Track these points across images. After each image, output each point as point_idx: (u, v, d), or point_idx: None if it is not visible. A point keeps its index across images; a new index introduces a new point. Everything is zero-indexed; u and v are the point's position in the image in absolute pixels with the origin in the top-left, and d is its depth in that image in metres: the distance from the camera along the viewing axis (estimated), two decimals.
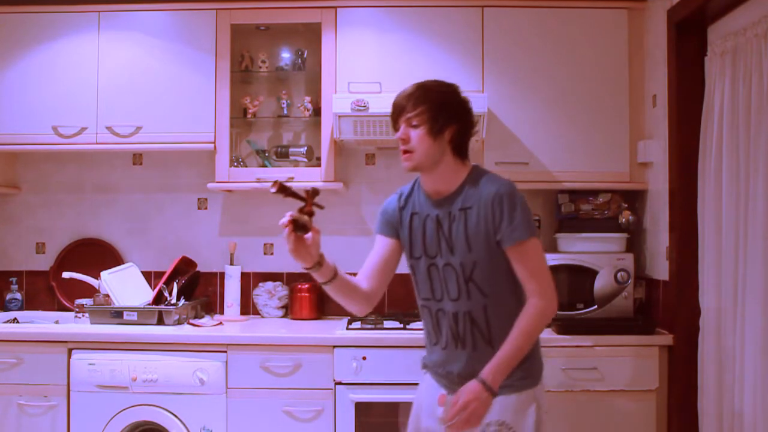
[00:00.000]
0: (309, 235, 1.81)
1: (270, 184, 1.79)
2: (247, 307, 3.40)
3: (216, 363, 2.77)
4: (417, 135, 1.89)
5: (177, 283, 3.10)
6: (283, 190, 1.77)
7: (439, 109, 1.89)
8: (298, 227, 1.78)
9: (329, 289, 1.97)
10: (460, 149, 1.95)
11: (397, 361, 2.74)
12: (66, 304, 3.40)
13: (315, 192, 1.83)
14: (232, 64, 3.15)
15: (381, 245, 2.08)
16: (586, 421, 2.74)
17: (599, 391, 2.74)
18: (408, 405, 2.74)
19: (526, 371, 1.92)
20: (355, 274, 2.07)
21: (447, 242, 1.94)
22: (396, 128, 1.95)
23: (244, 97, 3.31)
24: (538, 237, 1.92)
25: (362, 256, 3.37)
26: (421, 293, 2.05)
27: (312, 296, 3.27)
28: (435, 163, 1.92)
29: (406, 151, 1.92)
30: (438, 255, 1.96)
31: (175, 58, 3.14)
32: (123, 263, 3.36)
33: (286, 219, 1.78)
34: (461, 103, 1.95)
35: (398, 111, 1.93)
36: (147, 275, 3.36)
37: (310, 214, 1.80)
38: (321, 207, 1.83)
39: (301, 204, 1.82)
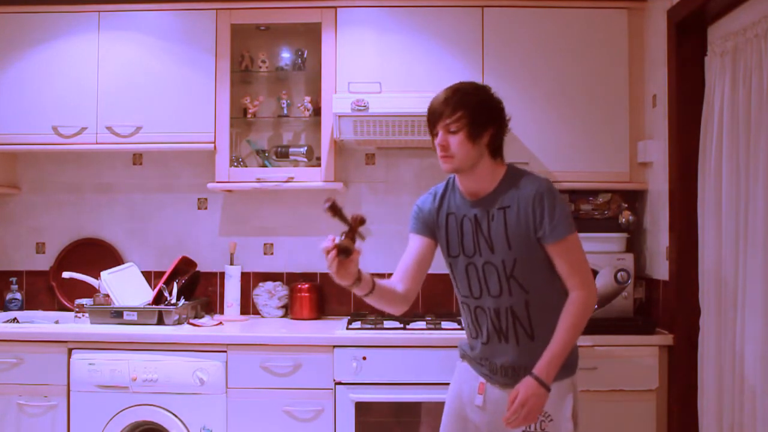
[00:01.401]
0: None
1: (325, 200, 1.75)
2: (247, 307, 3.40)
3: (216, 363, 2.77)
4: (456, 140, 1.92)
5: (177, 283, 3.10)
6: (335, 210, 1.75)
7: (478, 113, 1.92)
8: (341, 252, 1.77)
9: (368, 299, 1.98)
10: (497, 150, 1.99)
11: (397, 361, 2.74)
12: (66, 304, 3.40)
13: (362, 221, 1.81)
14: (232, 64, 3.15)
15: (416, 244, 2.09)
16: (586, 421, 2.73)
17: (599, 391, 2.74)
18: (408, 405, 2.75)
19: (567, 359, 1.95)
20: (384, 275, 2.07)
21: (486, 241, 1.96)
22: (433, 133, 1.97)
23: (244, 97, 3.31)
24: (576, 231, 1.96)
25: (362, 257, 3.39)
26: (461, 290, 2.08)
27: (312, 296, 3.27)
28: (473, 165, 1.95)
29: (445, 156, 1.94)
30: (477, 253, 1.99)
31: (175, 58, 3.14)
32: (123, 263, 3.36)
33: (329, 243, 1.76)
34: (497, 105, 1.99)
35: (436, 116, 1.94)
36: (147, 275, 3.37)
37: (353, 240, 1.79)
38: (363, 238, 1.81)
39: (345, 228, 1.79)
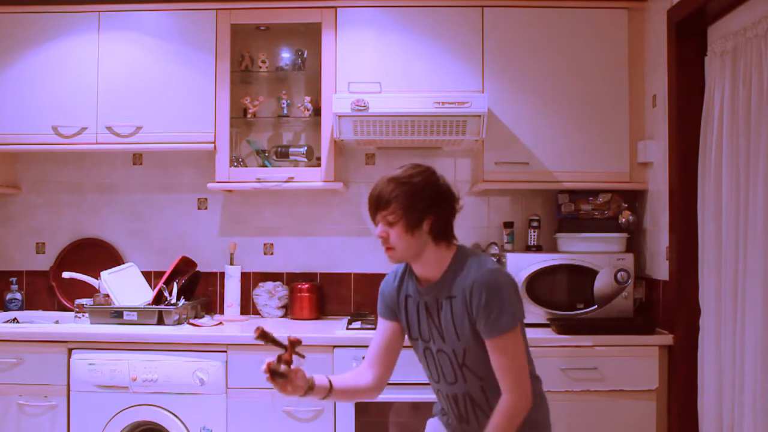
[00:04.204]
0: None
1: (254, 330, 1.76)
2: (247, 307, 3.40)
3: (216, 363, 2.77)
4: (395, 233, 1.86)
5: (177, 283, 3.10)
6: (264, 337, 1.75)
7: (412, 203, 1.84)
8: (277, 375, 1.77)
9: (332, 400, 1.97)
10: (441, 235, 1.89)
11: (397, 362, 2.74)
12: (66, 304, 3.40)
13: (297, 342, 1.80)
14: (232, 64, 3.15)
15: (383, 328, 2.05)
16: (586, 421, 2.74)
17: (599, 391, 2.74)
18: (408, 405, 2.75)
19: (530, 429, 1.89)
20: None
21: (437, 330, 1.92)
22: (375, 223, 1.92)
23: (244, 97, 3.31)
24: (520, 323, 1.84)
25: (362, 256, 3.42)
26: (425, 372, 2.06)
27: (312, 296, 3.27)
28: (418, 254, 1.89)
29: (388, 248, 1.90)
30: (431, 340, 1.95)
31: (175, 58, 3.14)
32: (123, 263, 3.36)
33: (264, 367, 1.77)
34: (435, 189, 1.88)
35: (373, 207, 1.89)
36: (147, 275, 3.37)
37: (288, 363, 1.78)
38: (302, 356, 1.81)
39: (281, 351, 1.79)
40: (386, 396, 2.72)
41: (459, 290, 1.86)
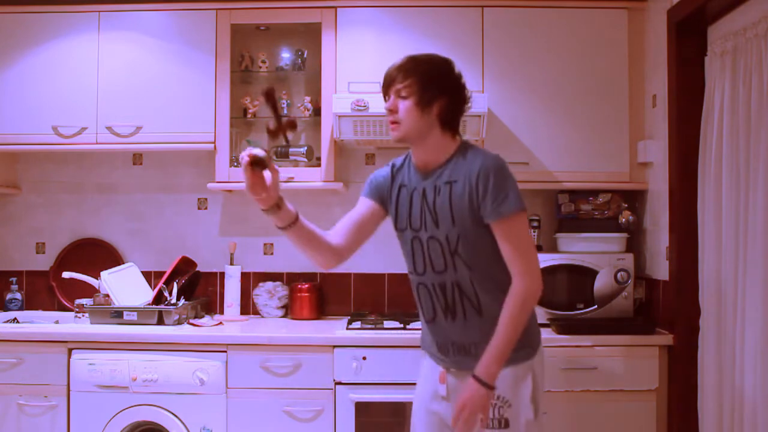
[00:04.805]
0: (267, 174, 1.77)
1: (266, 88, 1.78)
2: (247, 307, 3.40)
3: (216, 363, 2.77)
4: (405, 106, 1.88)
5: (177, 283, 3.10)
6: (269, 97, 1.76)
7: (429, 81, 1.88)
8: (257, 163, 1.74)
9: (289, 237, 1.92)
10: (449, 123, 1.93)
11: (397, 361, 2.74)
12: (66, 304, 3.40)
13: (293, 124, 1.82)
14: (232, 64, 3.15)
15: (362, 206, 2.06)
16: (586, 421, 2.74)
17: (599, 391, 2.74)
18: (408, 405, 2.75)
19: (520, 343, 1.88)
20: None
21: (431, 215, 1.92)
22: (386, 98, 1.94)
23: (244, 97, 3.31)
24: (525, 211, 1.87)
25: (362, 256, 3.40)
26: (407, 266, 2.05)
27: (312, 296, 3.27)
28: (422, 135, 1.91)
29: (393, 122, 1.91)
30: (422, 228, 1.95)
31: (175, 58, 3.14)
32: (123, 263, 3.36)
33: (245, 154, 1.74)
34: (452, 77, 1.93)
35: (388, 81, 1.92)
36: (147, 275, 3.36)
37: (276, 138, 1.79)
38: (286, 141, 1.85)
39: (275, 122, 1.79)
40: (388, 396, 2.73)
41: (462, 175, 1.88)
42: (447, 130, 1.93)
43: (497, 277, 1.90)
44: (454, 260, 1.90)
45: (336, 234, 2.02)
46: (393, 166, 2.07)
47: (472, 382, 1.84)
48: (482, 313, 1.91)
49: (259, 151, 1.75)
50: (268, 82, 3.40)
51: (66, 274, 3.22)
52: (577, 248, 3.07)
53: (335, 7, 3.12)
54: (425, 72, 1.88)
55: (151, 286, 3.30)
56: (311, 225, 1.95)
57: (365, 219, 2.05)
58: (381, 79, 1.95)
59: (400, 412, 2.76)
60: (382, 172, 2.09)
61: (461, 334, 1.94)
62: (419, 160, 1.97)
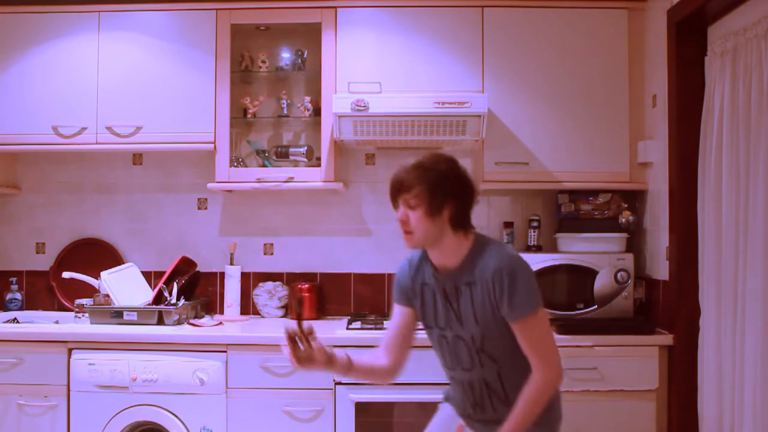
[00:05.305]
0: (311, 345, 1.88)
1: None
2: (247, 307, 3.40)
3: (216, 363, 2.77)
4: (415, 216, 1.88)
5: (177, 283, 3.10)
6: (300, 325, 1.85)
7: (436, 188, 1.87)
8: (296, 340, 1.85)
9: (351, 378, 2.07)
10: (460, 224, 1.93)
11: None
12: (66, 304, 3.40)
13: (310, 333, 1.87)
14: (232, 64, 3.15)
15: (398, 315, 2.09)
16: (586, 421, 2.74)
17: (599, 391, 2.74)
18: (408, 405, 2.75)
19: (543, 420, 1.92)
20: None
21: (456, 316, 1.95)
22: (395, 206, 1.95)
23: (244, 97, 3.31)
24: (540, 307, 1.88)
25: (362, 256, 3.42)
26: (439, 360, 2.09)
27: (312, 296, 3.27)
28: (436, 240, 1.92)
29: (406, 232, 1.92)
30: (447, 327, 1.97)
31: (175, 58, 3.14)
32: (123, 263, 3.36)
33: (286, 351, 1.86)
34: (459, 178, 1.92)
35: (396, 190, 1.92)
36: (147, 275, 3.37)
37: (307, 339, 1.86)
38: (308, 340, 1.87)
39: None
40: (388, 396, 2.73)
41: (479, 277, 1.89)
42: (459, 230, 1.93)
43: (523, 370, 1.92)
44: (480, 357, 1.94)
45: (385, 353, 2.08)
46: (410, 262, 2.08)
47: None
48: (509, 403, 1.94)
49: (292, 328, 1.84)
50: (268, 82, 3.41)
51: (66, 274, 3.22)
52: (577, 248, 3.07)
53: (335, 7, 3.12)
54: (431, 179, 1.88)
55: (151, 286, 3.30)
56: (365, 362, 2.04)
57: (405, 326, 2.08)
58: (389, 187, 1.95)
59: (400, 412, 2.76)
60: (402, 273, 2.09)
61: (490, 417, 1.98)
62: (436, 261, 1.98)
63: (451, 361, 2.00)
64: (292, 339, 1.84)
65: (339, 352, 1.94)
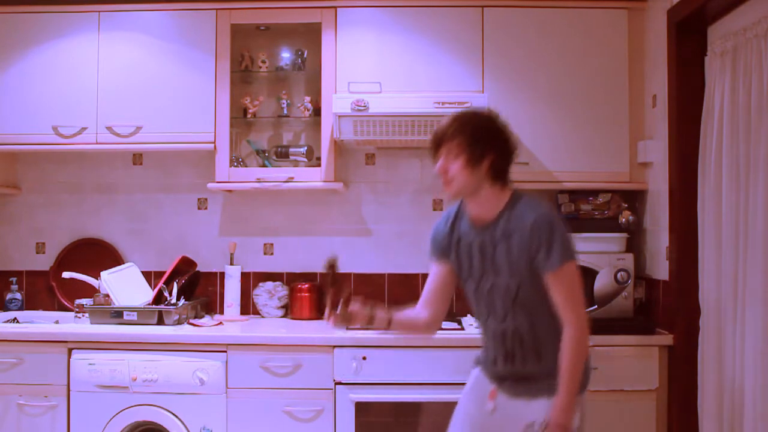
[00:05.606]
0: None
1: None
2: (247, 307, 3.40)
3: (216, 363, 2.77)
4: (456, 166, 1.96)
5: (177, 283, 3.10)
6: (332, 268, 1.96)
7: (476, 139, 1.95)
8: (343, 317, 1.98)
9: (390, 333, 2.17)
10: (499, 177, 1.99)
11: (397, 361, 2.74)
12: (66, 304, 3.40)
13: (348, 294, 1.98)
14: (232, 64, 3.15)
15: (435, 271, 2.16)
16: (586, 421, 2.73)
17: (599, 391, 2.73)
18: (408, 405, 2.75)
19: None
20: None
21: (492, 266, 2.00)
22: (435, 159, 2.01)
23: (244, 97, 3.31)
24: (575, 260, 1.95)
25: (362, 257, 3.42)
26: (473, 312, 2.14)
27: (312, 296, 3.27)
28: (474, 191, 1.98)
29: (446, 182, 1.99)
30: (483, 278, 2.02)
31: (175, 58, 3.14)
32: (123, 263, 3.36)
33: (327, 314, 1.99)
34: (498, 132, 2.00)
35: (437, 142, 2.00)
36: (147, 275, 3.36)
37: (347, 301, 1.98)
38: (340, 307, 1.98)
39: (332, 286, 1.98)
40: (388, 396, 2.73)
41: (517, 228, 1.95)
42: (497, 183, 2.00)
43: (554, 324, 1.97)
44: (514, 308, 1.99)
45: (424, 308, 2.16)
46: (447, 218, 2.14)
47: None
48: (541, 357, 2.00)
49: (338, 311, 1.97)
50: (268, 82, 3.41)
51: (66, 274, 3.22)
52: (577, 248, 3.06)
53: (335, 7, 3.12)
54: (472, 131, 1.96)
55: (151, 286, 3.30)
56: (404, 316, 2.13)
57: (442, 282, 2.16)
58: (431, 138, 2.03)
59: (400, 412, 2.77)
60: (439, 228, 2.16)
61: (520, 370, 2.03)
62: (473, 213, 2.04)
63: (486, 312, 2.05)
64: (332, 302, 1.93)
65: (379, 309, 2.05)
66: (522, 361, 2.01)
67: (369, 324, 2.03)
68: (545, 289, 1.95)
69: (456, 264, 2.10)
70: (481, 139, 1.96)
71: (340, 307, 1.95)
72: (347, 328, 2.00)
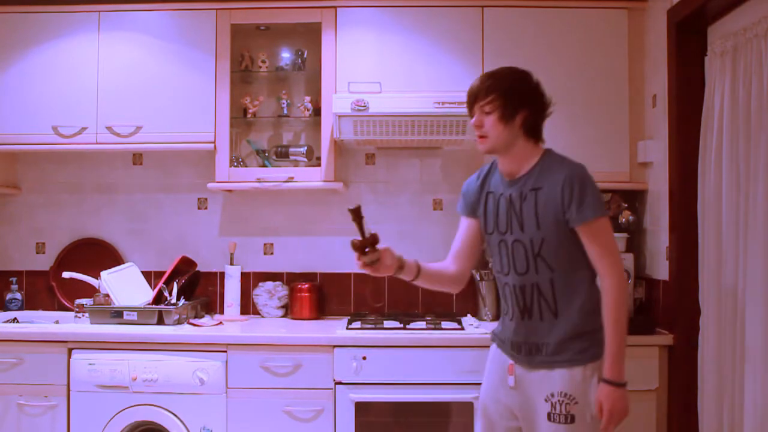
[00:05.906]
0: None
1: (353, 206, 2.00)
2: (247, 307, 3.40)
3: (216, 363, 2.77)
4: (490, 121, 2.02)
5: (177, 283, 3.10)
6: (357, 215, 1.99)
7: (510, 95, 2.01)
8: (364, 247, 2.00)
9: (418, 283, 2.17)
10: (532, 132, 2.06)
11: (397, 361, 2.74)
12: (66, 304, 3.40)
13: (375, 238, 2.03)
14: (232, 64, 3.15)
15: (464, 226, 2.23)
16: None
17: None
18: (408, 405, 2.75)
19: (591, 341, 2.00)
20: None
21: (518, 220, 2.04)
22: (471, 115, 2.07)
23: (244, 97, 3.31)
24: (607, 215, 2.00)
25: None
26: (494, 266, 2.19)
27: (312, 296, 3.27)
28: (508, 146, 2.04)
29: (481, 136, 2.04)
30: (508, 231, 2.07)
31: (175, 58, 3.14)
32: (123, 263, 3.36)
33: (357, 255, 2.03)
34: (532, 88, 2.05)
35: (472, 99, 2.06)
36: (147, 275, 3.37)
37: (374, 244, 2.03)
38: (370, 253, 2.03)
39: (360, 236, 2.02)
40: (388, 396, 2.73)
41: (547, 182, 2.00)
42: (531, 139, 2.06)
43: (575, 282, 2.02)
44: (537, 262, 2.03)
45: (452, 261, 2.22)
46: (480, 174, 2.20)
47: (604, 386, 1.96)
48: (557, 314, 2.03)
49: (366, 251, 2.01)
50: (268, 82, 3.41)
51: (66, 274, 3.22)
52: None
53: (335, 7, 3.12)
54: (506, 87, 2.02)
55: (151, 286, 3.30)
56: (433, 266, 2.19)
57: (470, 237, 2.22)
58: (465, 96, 2.09)
59: (400, 412, 2.77)
60: (470, 183, 2.22)
61: (535, 333, 2.05)
62: (505, 168, 2.09)
63: (508, 265, 2.08)
64: (359, 247, 1.97)
65: (408, 258, 2.09)
66: (539, 317, 2.03)
67: (398, 270, 2.06)
68: (569, 244, 1.99)
69: (482, 218, 2.15)
70: (515, 94, 2.01)
71: (368, 249, 1.98)
72: (375, 274, 2.03)
